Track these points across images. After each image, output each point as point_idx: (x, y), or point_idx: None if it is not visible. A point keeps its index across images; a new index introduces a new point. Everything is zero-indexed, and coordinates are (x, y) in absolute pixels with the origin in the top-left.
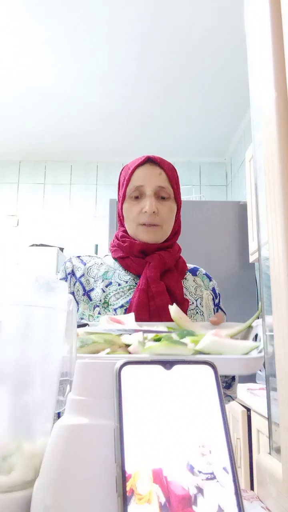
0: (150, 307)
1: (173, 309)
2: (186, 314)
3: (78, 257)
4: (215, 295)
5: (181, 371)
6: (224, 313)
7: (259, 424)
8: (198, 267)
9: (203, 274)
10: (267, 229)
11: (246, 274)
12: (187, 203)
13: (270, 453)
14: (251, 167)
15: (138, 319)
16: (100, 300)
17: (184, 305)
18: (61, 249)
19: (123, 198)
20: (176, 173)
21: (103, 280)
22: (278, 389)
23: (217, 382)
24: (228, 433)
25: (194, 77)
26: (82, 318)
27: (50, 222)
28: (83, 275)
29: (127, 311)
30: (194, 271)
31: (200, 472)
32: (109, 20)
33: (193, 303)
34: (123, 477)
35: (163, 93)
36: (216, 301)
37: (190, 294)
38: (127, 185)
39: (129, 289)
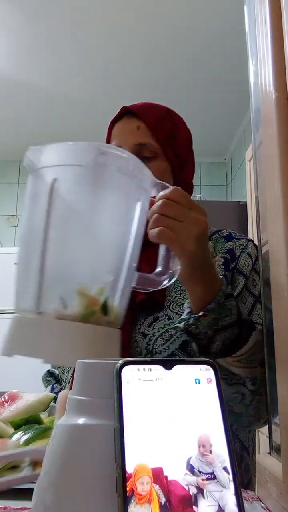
0: None
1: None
2: None
3: None
4: (231, 255)
5: (181, 371)
6: (246, 277)
7: None
8: (221, 229)
9: (222, 236)
10: (267, 229)
11: None
12: None
13: (270, 453)
14: (251, 167)
15: None
16: None
17: None
18: None
19: None
20: (170, 121)
21: None
22: (278, 389)
23: (217, 382)
24: (228, 433)
25: (194, 77)
26: None
27: None
28: None
29: None
30: (209, 236)
31: (200, 472)
32: (109, 21)
33: None
34: (123, 477)
35: (163, 93)
36: (233, 265)
37: None
38: None
39: None
